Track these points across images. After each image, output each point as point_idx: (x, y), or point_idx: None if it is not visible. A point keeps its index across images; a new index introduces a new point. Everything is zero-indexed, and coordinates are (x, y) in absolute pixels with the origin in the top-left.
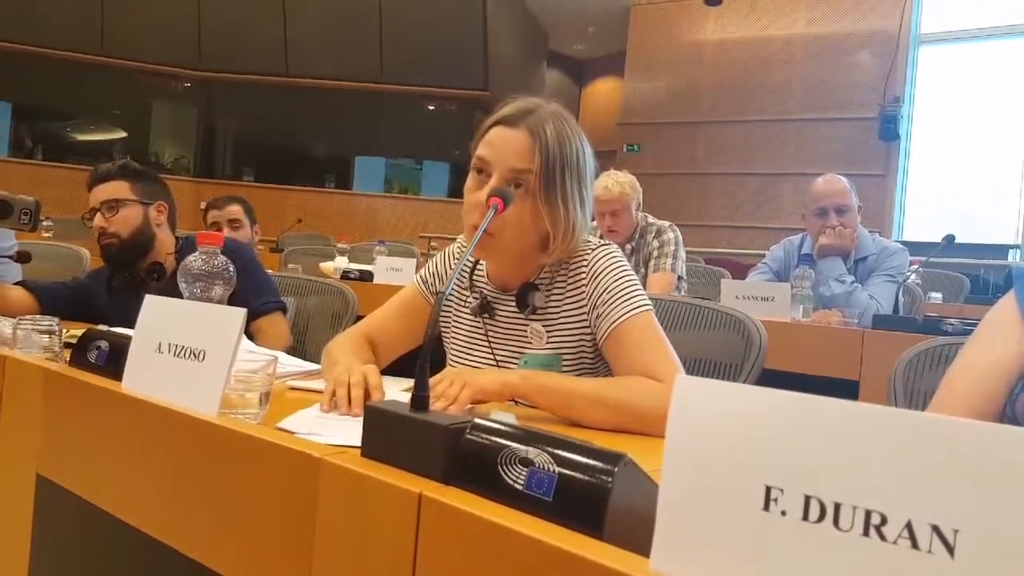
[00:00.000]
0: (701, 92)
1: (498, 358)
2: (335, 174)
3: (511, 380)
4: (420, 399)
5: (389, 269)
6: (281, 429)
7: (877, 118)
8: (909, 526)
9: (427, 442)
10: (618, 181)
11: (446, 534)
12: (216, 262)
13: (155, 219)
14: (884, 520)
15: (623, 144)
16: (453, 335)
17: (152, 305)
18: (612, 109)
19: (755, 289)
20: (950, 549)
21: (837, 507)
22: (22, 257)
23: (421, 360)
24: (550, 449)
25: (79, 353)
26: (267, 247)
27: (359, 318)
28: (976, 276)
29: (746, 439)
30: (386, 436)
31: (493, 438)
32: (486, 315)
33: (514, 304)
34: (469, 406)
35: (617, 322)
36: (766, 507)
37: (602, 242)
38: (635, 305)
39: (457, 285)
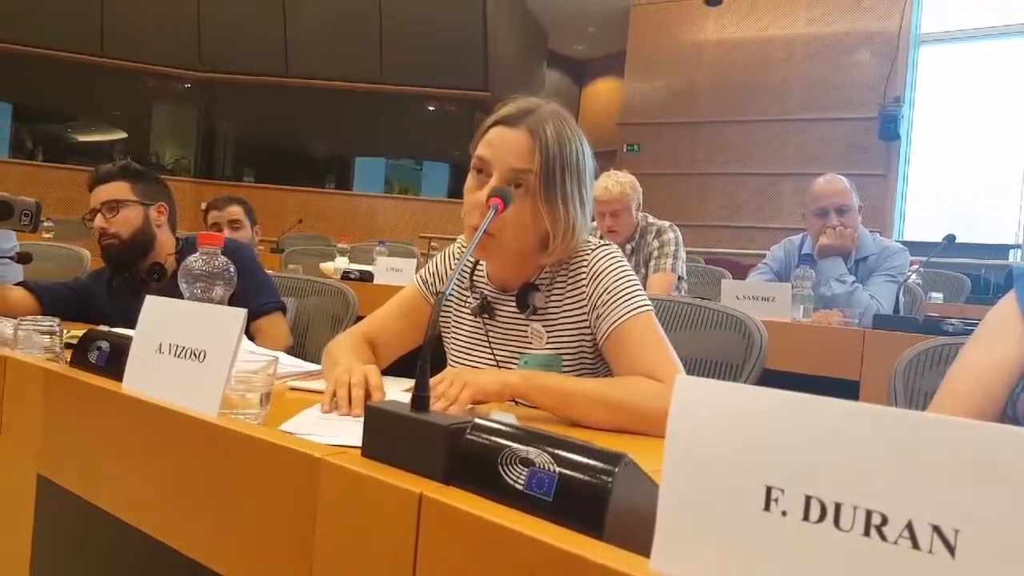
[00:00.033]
0: (701, 92)
1: (498, 358)
2: (335, 175)
3: (511, 380)
4: (420, 399)
5: (389, 269)
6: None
7: (877, 118)
8: (910, 526)
9: (428, 442)
10: (618, 181)
11: (446, 534)
12: (217, 263)
13: (155, 220)
14: (885, 520)
15: (623, 144)
16: (453, 335)
17: (153, 306)
18: (612, 109)
19: (755, 289)
20: (951, 549)
21: (838, 507)
22: (23, 258)
23: (421, 360)
24: (550, 449)
25: (80, 354)
26: (267, 248)
27: (359, 318)
28: (977, 276)
29: (747, 439)
30: (387, 436)
31: (493, 438)
32: (486, 315)
33: (514, 304)
34: (469, 406)
35: (617, 322)
36: (767, 507)
37: (602, 242)
38: (635, 305)
39: (457, 285)
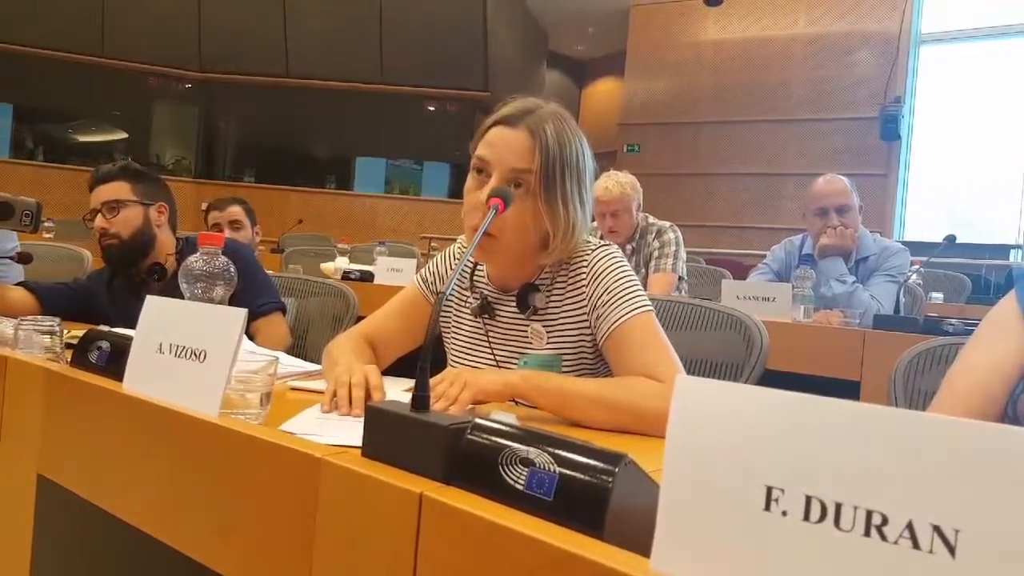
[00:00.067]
0: (701, 92)
1: (498, 359)
2: (336, 175)
3: (511, 380)
4: (421, 399)
5: (390, 270)
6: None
7: (878, 118)
8: (910, 526)
9: (428, 442)
10: (619, 182)
11: (447, 534)
12: (217, 263)
13: (156, 220)
14: (885, 520)
15: (623, 144)
16: (454, 335)
17: (153, 305)
18: (612, 109)
19: (756, 289)
20: (951, 549)
21: (838, 507)
22: (23, 258)
23: (422, 360)
24: (551, 449)
25: (80, 353)
26: (268, 248)
27: (360, 319)
28: (977, 276)
29: (747, 439)
30: (387, 436)
31: (494, 438)
32: (486, 316)
33: (514, 305)
34: (470, 406)
35: (617, 323)
36: (767, 507)
37: (602, 242)
38: (636, 306)
39: (458, 285)
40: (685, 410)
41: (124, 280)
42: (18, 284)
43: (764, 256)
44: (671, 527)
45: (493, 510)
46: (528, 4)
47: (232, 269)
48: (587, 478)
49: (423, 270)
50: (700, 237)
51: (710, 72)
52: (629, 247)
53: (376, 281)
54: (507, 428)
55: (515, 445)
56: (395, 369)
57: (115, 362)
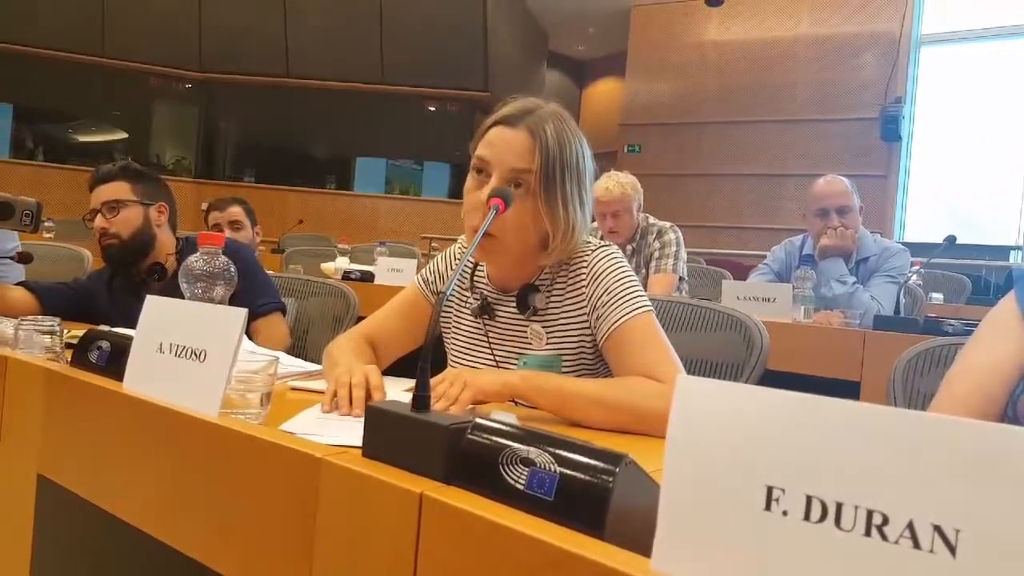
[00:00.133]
0: (702, 93)
1: (498, 359)
2: (336, 175)
3: (511, 381)
4: (421, 399)
5: (390, 270)
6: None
7: (878, 119)
8: (911, 526)
9: (428, 442)
10: (619, 182)
11: (447, 534)
12: (217, 263)
13: (156, 220)
14: (886, 520)
15: (624, 145)
16: (453, 336)
17: (153, 305)
18: (613, 110)
19: (756, 290)
20: (952, 549)
21: (839, 507)
22: (24, 258)
23: (422, 360)
24: (551, 449)
25: (80, 353)
26: (268, 248)
27: (360, 319)
28: (977, 277)
29: (747, 439)
30: (387, 436)
31: (494, 438)
32: (486, 316)
33: (514, 305)
34: (470, 406)
35: (617, 323)
36: (767, 507)
37: (602, 243)
38: (636, 306)
39: (458, 286)
40: (686, 410)
41: (124, 280)
42: (18, 284)
43: (764, 256)
44: (672, 527)
45: (494, 510)
46: (528, 4)
47: (232, 269)
48: (588, 478)
49: (423, 270)
50: (700, 237)
51: (714, 73)
52: (629, 247)
53: (376, 281)
54: (507, 428)
55: (516, 445)
56: (395, 369)
57: (115, 362)
